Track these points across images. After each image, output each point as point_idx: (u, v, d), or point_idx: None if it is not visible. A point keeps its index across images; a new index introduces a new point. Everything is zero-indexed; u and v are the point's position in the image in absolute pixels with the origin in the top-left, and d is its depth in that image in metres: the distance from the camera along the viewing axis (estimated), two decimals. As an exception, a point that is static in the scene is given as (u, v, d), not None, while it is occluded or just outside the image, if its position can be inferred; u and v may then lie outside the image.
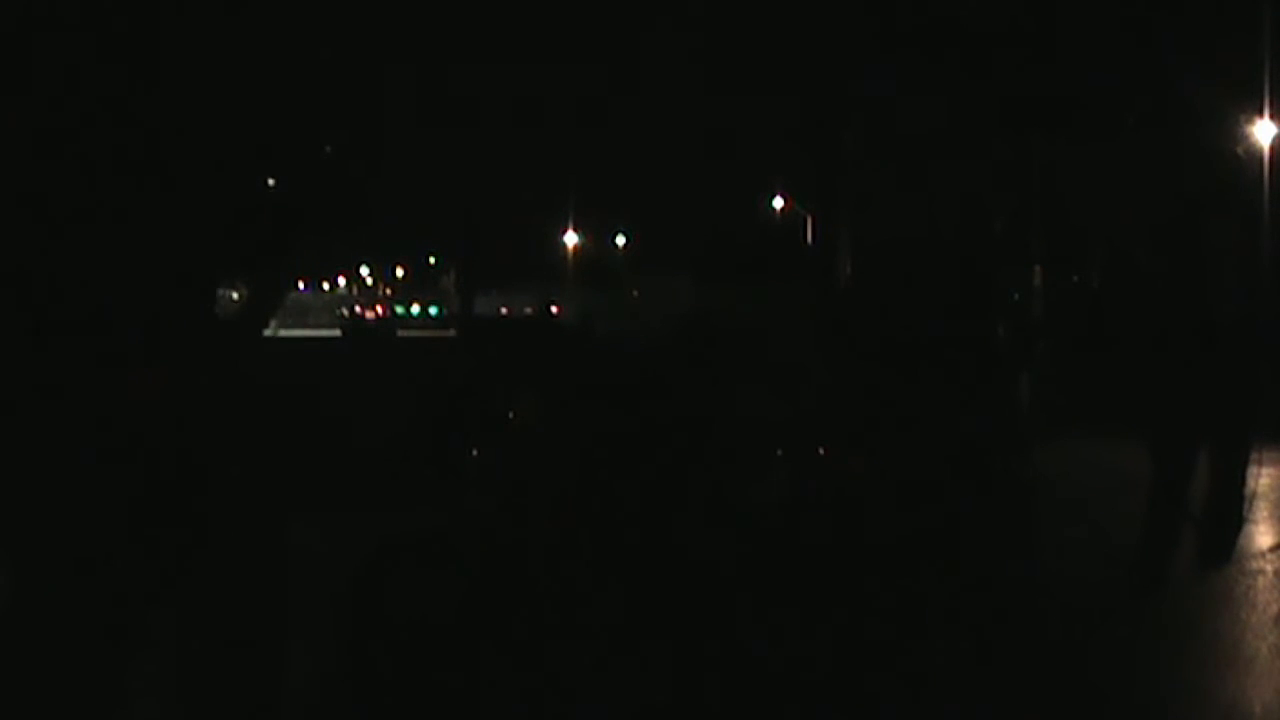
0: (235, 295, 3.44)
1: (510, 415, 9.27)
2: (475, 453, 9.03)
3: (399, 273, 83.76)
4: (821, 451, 8.39)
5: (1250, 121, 23.16)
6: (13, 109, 3.11)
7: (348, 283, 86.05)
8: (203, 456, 3.19)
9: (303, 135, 3.44)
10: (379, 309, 74.20)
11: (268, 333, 3.52)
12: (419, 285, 79.97)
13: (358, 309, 73.04)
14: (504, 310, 52.89)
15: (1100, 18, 8.78)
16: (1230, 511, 7.49)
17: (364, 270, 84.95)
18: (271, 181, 3.36)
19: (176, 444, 3.16)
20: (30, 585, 3.08)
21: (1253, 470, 7.47)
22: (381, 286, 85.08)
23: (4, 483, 3.10)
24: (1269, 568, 8.40)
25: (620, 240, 62.05)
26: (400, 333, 59.66)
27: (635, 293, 51.46)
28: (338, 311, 72.29)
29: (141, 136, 3.15)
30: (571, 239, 59.63)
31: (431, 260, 75.26)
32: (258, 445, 3.29)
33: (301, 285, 78.64)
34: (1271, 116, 24.27)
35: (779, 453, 8.93)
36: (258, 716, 3.26)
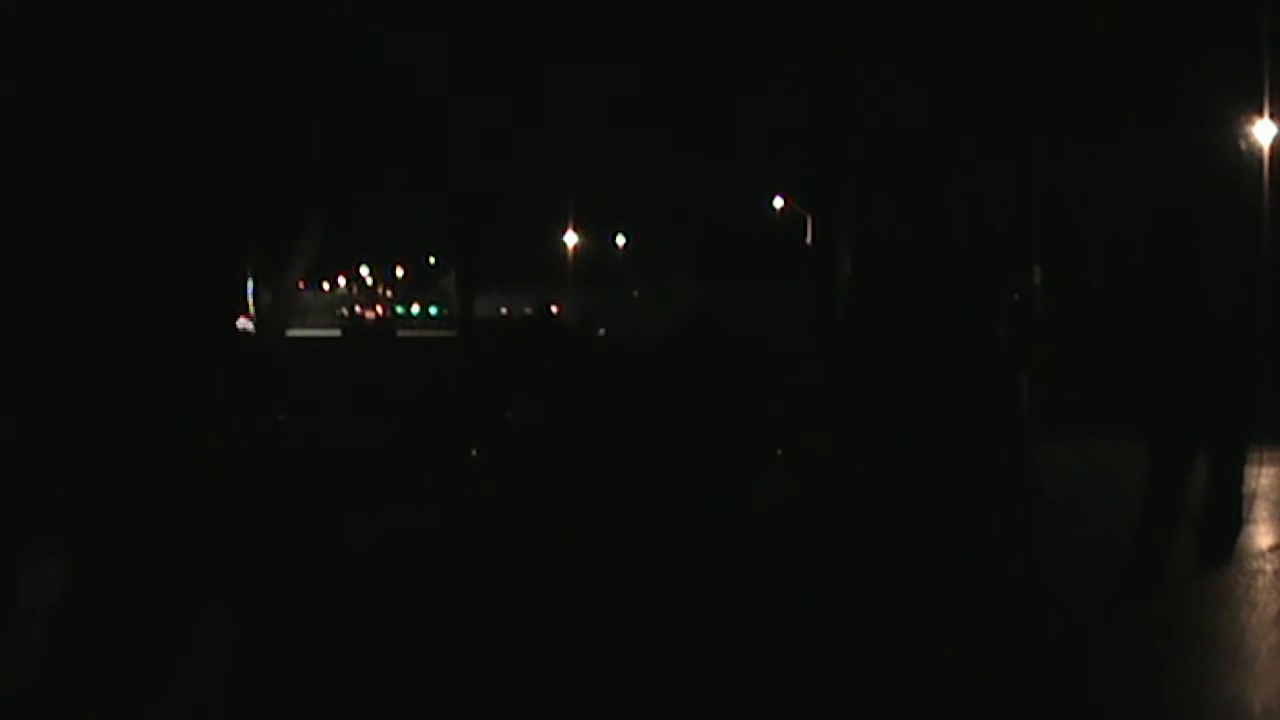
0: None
1: (510, 415, 9.27)
2: (475, 453, 9.03)
3: (399, 273, 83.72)
4: (821, 451, 8.40)
5: (1250, 121, 23.17)
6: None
7: (348, 283, 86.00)
8: (249, 454, 3.27)
9: (303, 137, 3.48)
10: (379, 309, 74.18)
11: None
12: (419, 285, 79.90)
13: (358, 309, 73.01)
14: (504, 310, 52.89)
15: (1100, 17, 8.76)
16: (1230, 511, 7.49)
17: (364, 270, 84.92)
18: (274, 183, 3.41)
19: (226, 443, 3.24)
20: (86, 576, 3.15)
21: (1253, 470, 7.47)
22: (381, 286, 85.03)
23: (62, 479, 3.17)
24: (1269, 568, 8.38)
25: (620, 240, 62.05)
26: (400, 333, 59.62)
27: (635, 293, 51.46)
28: (338, 311, 72.25)
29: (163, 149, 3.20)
30: (571, 239, 59.62)
31: (431, 260, 75.23)
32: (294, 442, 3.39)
33: (301, 285, 78.62)
34: (1271, 116, 24.27)
35: (779, 453, 8.93)
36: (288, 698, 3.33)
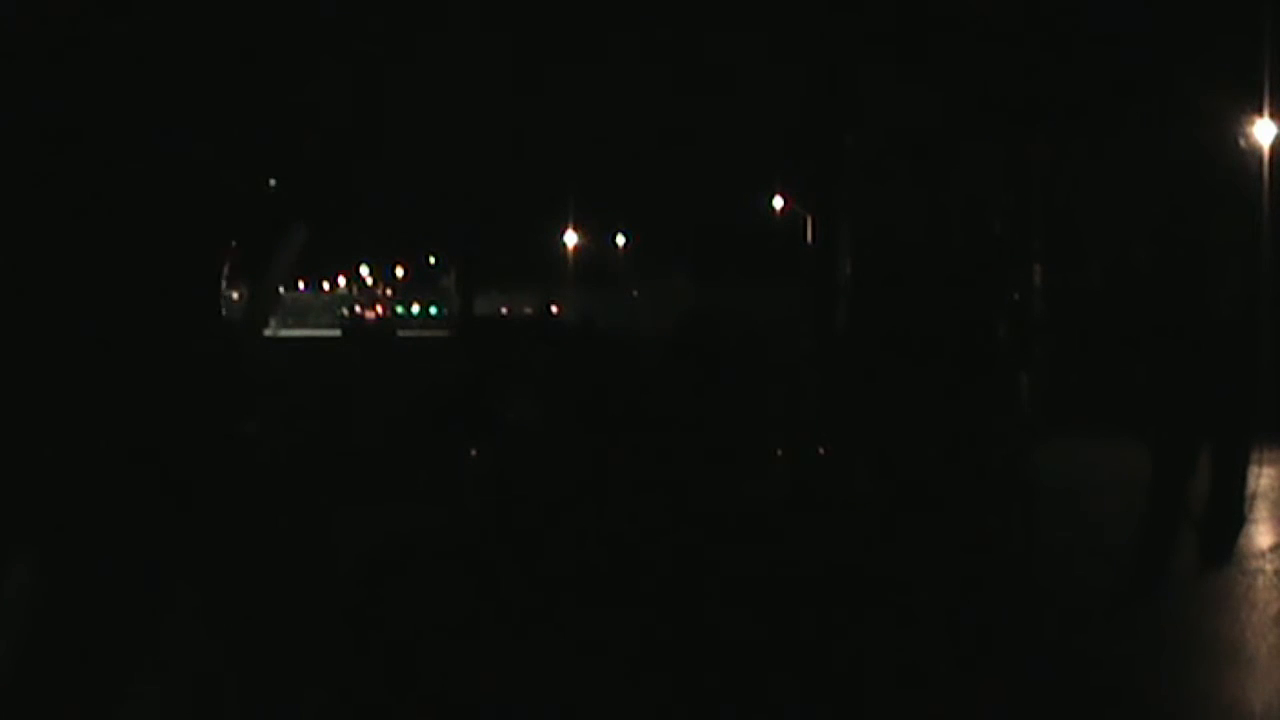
0: (235, 295, 3.49)
1: (510, 416, 9.26)
2: (474, 452, 9.03)
3: (399, 273, 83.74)
4: (821, 451, 8.39)
5: (1250, 121, 23.17)
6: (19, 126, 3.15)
7: (348, 283, 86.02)
8: (212, 452, 3.25)
9: (291, 138, 3.47)
10: (379, 309, 74.18)
11: (267, 332, 3.57)
12: (419, 285, 79.94)
13: (358, 309, 73.00)
14: (504, 310, 52.90)
15: (1100, 17, 8.78)
16: (1230, 511, 7.49)
17: (364, 270, 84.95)
18: (260, 183, 3.40)
19: (191, 440, 3.22)
20: (53, 576, 3.14)
21: (1253, 470, 7.47)
22: (381, 286, 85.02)
23: (29, 478, 3.15)
24: (1269, 568, 8.40)
25: (620, 240, 62.08)
26: (400, 333, 59.62)
27: (635, 293, 51.47)
28: (338, 311, 72.27)
29: (136, 142, 3.18)
30: (571, 239, 59.65)
31: (431, 260, 75.26)
32: (261, 441, 3.36)
33: (301, 285, 78.67)
34: (1271, 116, 24.27)
35: (779, 453, 8.92)
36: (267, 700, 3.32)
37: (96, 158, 3.17)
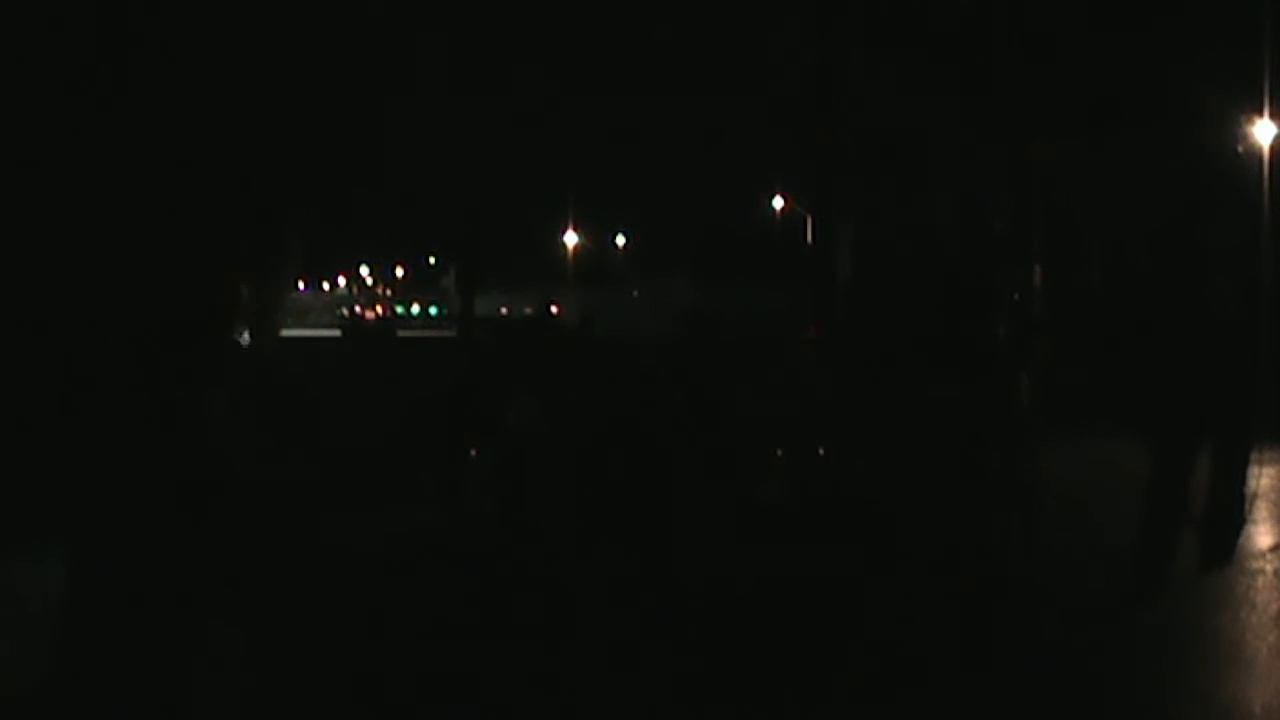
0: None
1: (510, 416, 9.27)
2: (475, 453, 9.03)
3: (399, 273, 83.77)
4: (821, 451, 8.40)
5: (1250, 121, 23.17)
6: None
7: (348, 283, 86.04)
8: (237, 456, 3.28)
9: (297, 142, 3.49)
10: (379, 309, 74.23)
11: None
12: (419, 285, 79.96)
13: (358, 309, 73.04)
14: (504, 310, 52.91)
15: (1099, 18, 8.80)
16: (1231, 511, 7.49)
17: (364, 270, 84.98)
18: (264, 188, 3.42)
19: (221, 446, 3.25)
20: (86, 580, 3.17)
21: (1253, 470, 7.47)
22: (381, 286, 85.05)
23: (64, 483, 3.18)
24: (1269, 568, 8.39)
25: (620, 240, 62.12)
26: (400, 333, 59.63)
27: (635, 293, 51.48)
28: (338, 311, 72.28)
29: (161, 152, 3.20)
30: (571, 239, 59.66)
31: (431, 260, 75.28)
32: (281, 444, 3.39)
33: (301, 285, 78.73)
34: (1271, 116, 24.26)
35: (779, 453, 8.93)
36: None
37: (117, 164, 3.19)
